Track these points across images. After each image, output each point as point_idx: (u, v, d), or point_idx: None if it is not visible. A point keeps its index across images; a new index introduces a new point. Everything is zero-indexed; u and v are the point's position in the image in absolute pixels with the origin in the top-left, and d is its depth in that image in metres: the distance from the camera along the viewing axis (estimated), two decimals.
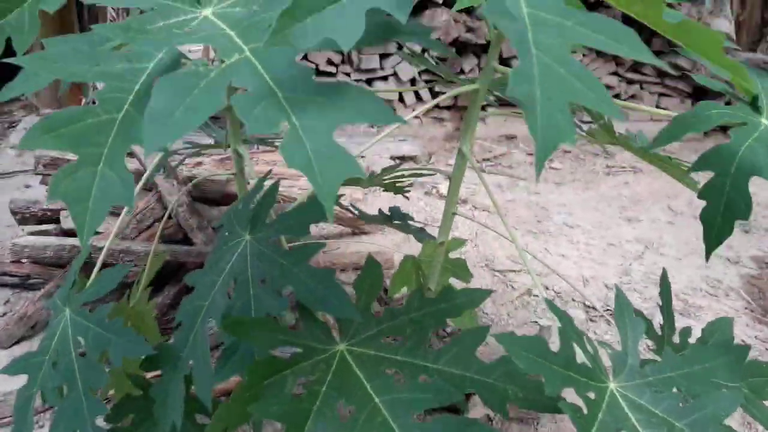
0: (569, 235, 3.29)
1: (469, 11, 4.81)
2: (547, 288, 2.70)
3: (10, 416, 1.74)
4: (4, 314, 2.18)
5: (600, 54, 5.05)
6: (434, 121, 5.04)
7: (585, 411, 0.78)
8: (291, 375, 0.90)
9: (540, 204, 3.67)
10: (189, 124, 0.63)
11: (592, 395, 0.81)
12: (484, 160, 4.46)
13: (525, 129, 5.23)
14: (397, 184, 1.79)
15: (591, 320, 2.51)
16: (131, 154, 2.32)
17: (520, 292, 2.64)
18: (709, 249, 0.82)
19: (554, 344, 0.81)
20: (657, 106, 5.37)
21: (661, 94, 5.35)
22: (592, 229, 3.38)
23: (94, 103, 0.75)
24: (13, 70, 0.76)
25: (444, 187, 3.63)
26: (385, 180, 1.71)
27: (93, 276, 1.20)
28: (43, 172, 2.28)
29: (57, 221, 2.34)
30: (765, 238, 3.29)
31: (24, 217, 2.33)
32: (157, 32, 0.76)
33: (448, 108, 4.98)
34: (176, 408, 1.00)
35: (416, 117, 4.71)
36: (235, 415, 0.87)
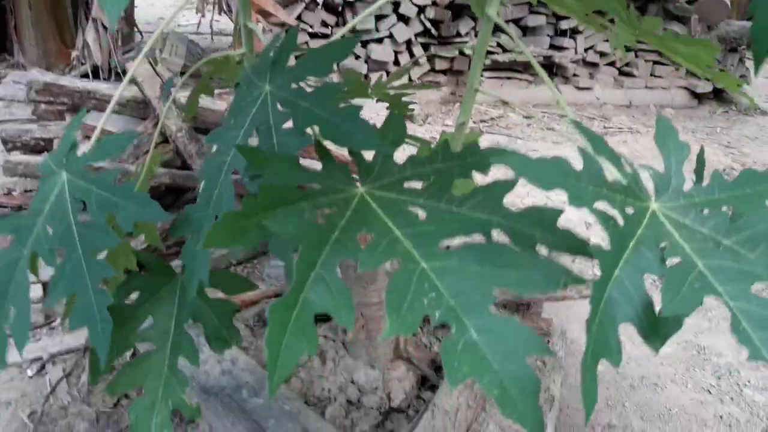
0: None
1: None
2: None
3: None
4: None
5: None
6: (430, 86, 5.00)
7: (620, 224, 0.74)
8: (308, 207, 0.84)
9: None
10: None
11: (630, 210, 0.76)
12: (481, 121, 4.43)
13: (519, 93, 5.20)
14: (403, 98, 1.74)
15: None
16: (134, 82, 2.25)
17: None
18: (759, 61, 0.78)
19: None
20: (651, 74, 5.37)
21: (655, 62, 5.34)
22: None
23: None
24: None
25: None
26: (390, 92, 1.66)
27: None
28: (36, 99, 2.21)
29: (49, 150, 2.27)
30: None
31: (15, 146, 2.25)
32: None
33: (443, 72, 4.93)
34: (204, 266, 0.95)
35: (411, 80, 4.66)
36: (233, 232, 0.80)
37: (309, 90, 0.97)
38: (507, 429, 1.42)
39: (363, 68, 4.73)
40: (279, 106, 0.95)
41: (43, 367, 1.60)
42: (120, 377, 1.10)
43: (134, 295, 1.17)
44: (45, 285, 1.81)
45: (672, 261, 0.75)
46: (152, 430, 1.07)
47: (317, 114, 0.91)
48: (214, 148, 1.02)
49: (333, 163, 0.92)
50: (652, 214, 0.78)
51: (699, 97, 5.32)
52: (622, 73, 5.38)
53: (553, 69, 5.19)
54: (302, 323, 0.73)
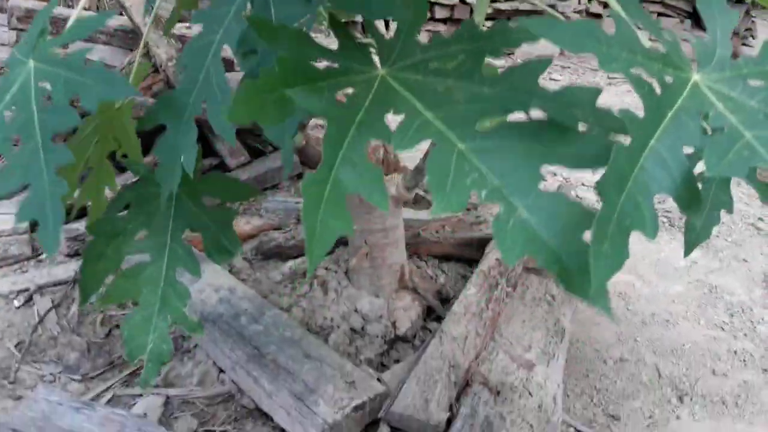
0: None
1: None
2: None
3: None
4: None
5: None
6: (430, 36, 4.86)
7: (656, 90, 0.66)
8: (327, 87, 0.76)
9: None
10: None
11: (669, 79, 0.68)
12: None
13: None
14: None
15: None
16: (122, 8, 2.13)
17: None
18: None
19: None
20: None
21: (659, 14, 5.21)
22: None
23: None
24: None
25: None
26: None
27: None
28: (18, 27, 2.09)
29: None
30: None
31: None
32: None
33: (443, 21, 4.78)
34: (190, 154, 0.87)
35: None
36: (257, 103, 0.72)
37: None
38: (516, 359, 1.36)
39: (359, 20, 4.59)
40: None
41: (30, 298, 1.52)
42: (112, 288, 1.03)
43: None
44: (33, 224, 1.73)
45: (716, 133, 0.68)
46: (148, 346, 1.00)
47: None
48: (198, 28, 0.92)
49: (349, 39, 0.83)
50: (694, 84, 0.70)
51: None
52: None
53: None
54: (335, 201, 0.68)
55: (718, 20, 0.75)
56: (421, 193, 1.90)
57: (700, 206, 0.68)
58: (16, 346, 1.39)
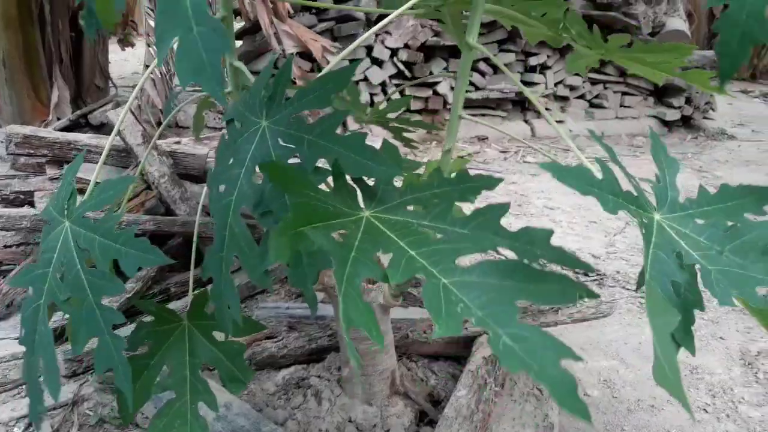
0: (550, 215, 3.32)
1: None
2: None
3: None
4: None
5: (564, 55, 5.19)
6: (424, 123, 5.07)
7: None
8: (323, 228, 0.86)
9: (519, 192, 3.69)
10: None
11: (645, 219, 0.79)
12: (459, 158, 4.49)
13: (493, 130, 5.27)
14: (404, 134, 1.77)
15: None
16: (117, 131, 2.25)
17: None
18: (724, 76, 0.82)
19: None
20: (621, 105, 5.52)
21: (624, 93, 5.50)
22: (572, 210, 3.41)
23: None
24: None
25: None
26: (390, 120, 1.69)
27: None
28: (15, 152, 2.20)
29: (31, 204, 2.25)
30: None
31: None
32: None
33: (419, 112, 5.02)
34: (234, 305, 0.96)
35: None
36: (283, 248, 0.81)
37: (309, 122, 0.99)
38: None
39: None
40: (281, 141, 0.97)
41: (30, 424, 1.55)
42: (152, 429, 1.08)
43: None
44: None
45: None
46: None
47: (325, 146, 0.92)
48: (222, 188, 1.02)
49: (344, 186, 0.93)
50: (659, 224, 0.81)
51: (668, 125, 5.48)
52: (592, 105, 5.52)
53: (525, 104, 5.32)
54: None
55: (666, 166, 0.87)
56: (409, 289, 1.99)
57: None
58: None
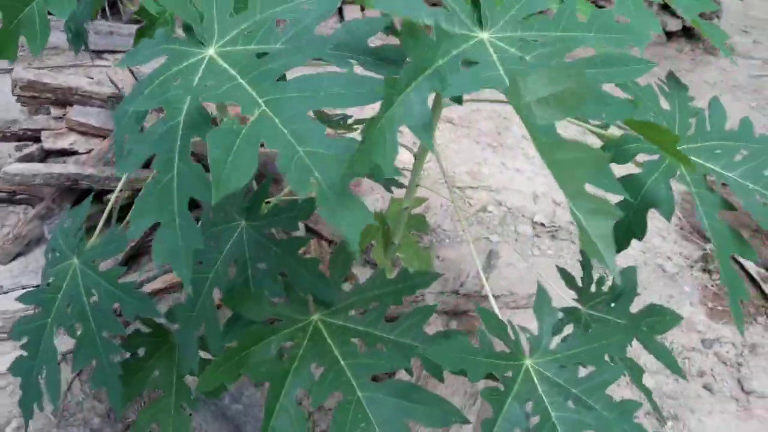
0: (525, 148, 3.49)
1: None
2: (500, 204, 2.95)
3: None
4: None
5: None
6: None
7: (502, 389, 1.03)
8: (275, 340, 1.13)
9: (502, 114, 3.82)
10: (237, 183, 0.75)
11: (509, 374, 1.05)
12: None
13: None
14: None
15: (537, 236, 2.79)
16: (114, 86, 2.38)
17: (476, 209, 2.89)
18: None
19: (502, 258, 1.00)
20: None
21: None
22: None
23: None
24: None
25: None
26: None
27: (96, 232, 1.38)
28: (20, 94, 2.34)
29: (37, 140, 2.44)
30: None
31: (5, 136, 2.42)
32: (179, 88, 0.87)
33: None
34: (192, 358, 1.23)
35: None
36: (223, 375, 1.09)
37: (278, 238, 1.21)
38: None
39: None
40: (254, 247, 1.20)
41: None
42: (141, 417, 1.42)
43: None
44: None
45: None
46: None
47: (287, 262, 1.17)
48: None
49: (295, 295, 1.19)
50: (526, 370, 1.07)
51: (669, 35, 5.40)
52: (598, 6, 5.38)
53: None
54: None
55: (546, 318, 1.11)
56: None
57: None
58: (52, 413, 1.80)
